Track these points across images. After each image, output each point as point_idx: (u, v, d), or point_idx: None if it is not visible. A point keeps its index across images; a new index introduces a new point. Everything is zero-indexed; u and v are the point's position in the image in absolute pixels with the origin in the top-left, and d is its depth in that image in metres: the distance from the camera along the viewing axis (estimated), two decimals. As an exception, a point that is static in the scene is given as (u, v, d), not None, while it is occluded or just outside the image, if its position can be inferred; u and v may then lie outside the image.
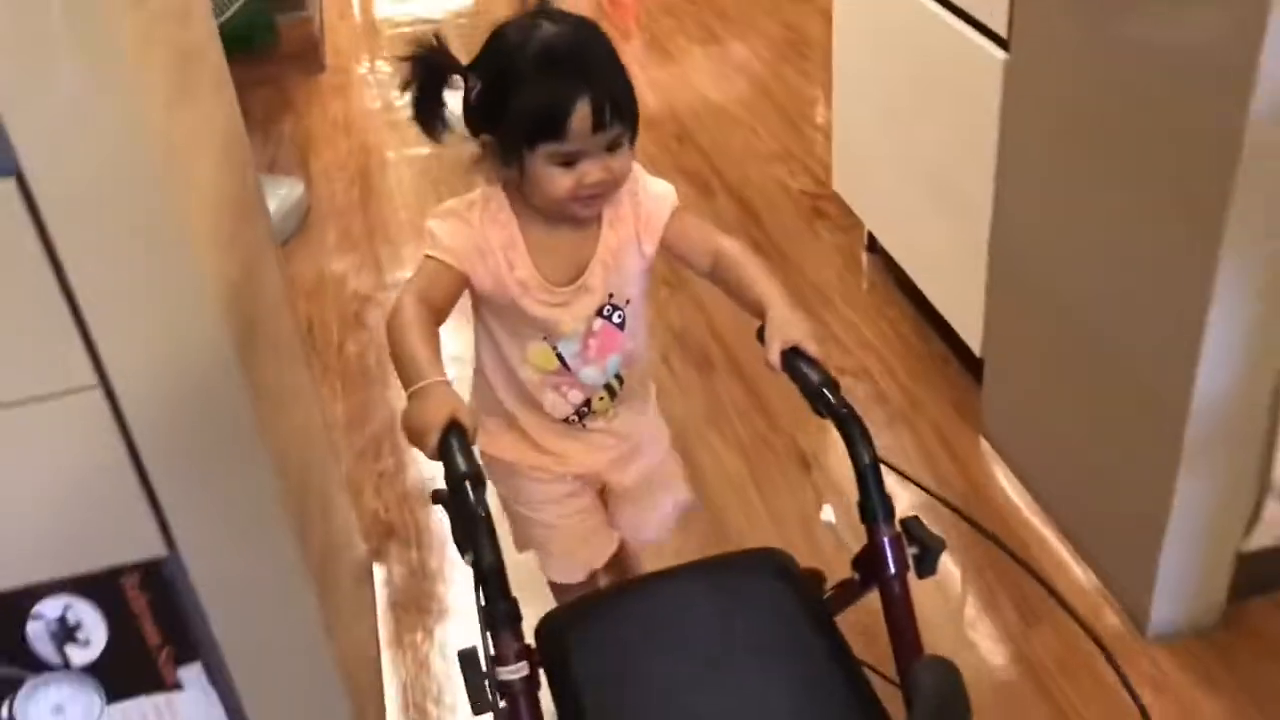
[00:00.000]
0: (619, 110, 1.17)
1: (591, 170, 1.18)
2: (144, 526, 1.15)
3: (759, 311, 1.21)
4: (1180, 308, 1.47)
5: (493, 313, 1.31)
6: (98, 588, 1.21)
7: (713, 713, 1.13)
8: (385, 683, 1.75)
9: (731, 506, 1.98)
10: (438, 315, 1.21)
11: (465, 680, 1.07)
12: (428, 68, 1.22)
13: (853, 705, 1.12)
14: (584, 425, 1.37)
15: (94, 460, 1.10)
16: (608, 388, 1.35)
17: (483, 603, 1.06)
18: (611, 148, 1.19)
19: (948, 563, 1.79)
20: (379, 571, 1.94)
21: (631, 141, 1.22)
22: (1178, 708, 1.60)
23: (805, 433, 2.11)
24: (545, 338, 1.30)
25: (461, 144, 1.25)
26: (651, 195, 1.30)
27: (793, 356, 1.16)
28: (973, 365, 2.15)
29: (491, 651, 1.06)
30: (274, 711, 1.36)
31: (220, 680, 1.32)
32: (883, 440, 1.94)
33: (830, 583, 1.26)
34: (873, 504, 1.12)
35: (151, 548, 1.17)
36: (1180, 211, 1.46)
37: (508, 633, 1.05)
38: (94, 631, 1.25)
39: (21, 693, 1.26)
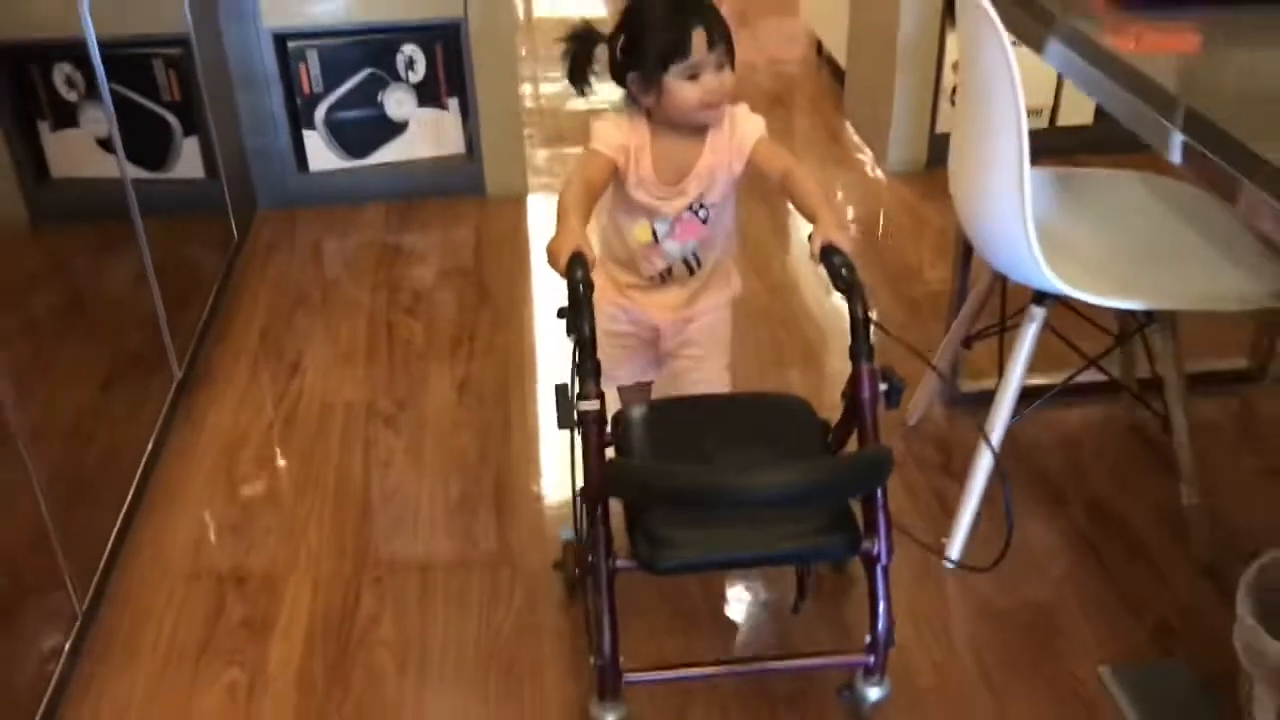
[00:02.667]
0: (723, 36, 1.63)
1: (710, 81, 1.64)
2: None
3: (812, 218, 1.62)
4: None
5: (620, 194, 1.76)
6: (425, 38, 3.08)
7: (715, 454, 1.59)
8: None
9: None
10: (591, 190, 1.67)
11: (556, 404, 1.51)
12: (580, 41, 1.70)
13: (819, 465, 1.57)
14: (663, 287, 1.83)
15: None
16: (685, 263, 1.81)
17: (575, 359, 1.51)
18: (720, 65, 1.64)
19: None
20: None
21: (731, 64, 1.66)
22: (909, 212, 3.33)
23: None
24: (648, 217, 1.75)
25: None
26: (744, 126, 1.72)
27: (828, 251, 1.56)
28: (839, 73, 3.93)
29: (577, 389, 1.52)
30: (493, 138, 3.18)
31: (470, 110, 3.17)
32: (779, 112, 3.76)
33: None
34: (860, 348, 1.54)
35: (454, 10, 3.00)
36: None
37: (590, 379, 1.51)
38: (419, 66, 3.13)
39: (384, 91, 3.14)
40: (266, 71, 3.04)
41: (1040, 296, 1.84)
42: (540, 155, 3.57)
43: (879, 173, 3.43)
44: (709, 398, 1.82)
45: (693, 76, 1.64)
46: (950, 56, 3.19)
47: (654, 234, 1.78)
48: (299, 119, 3.14)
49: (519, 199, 3.26)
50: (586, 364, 1.52)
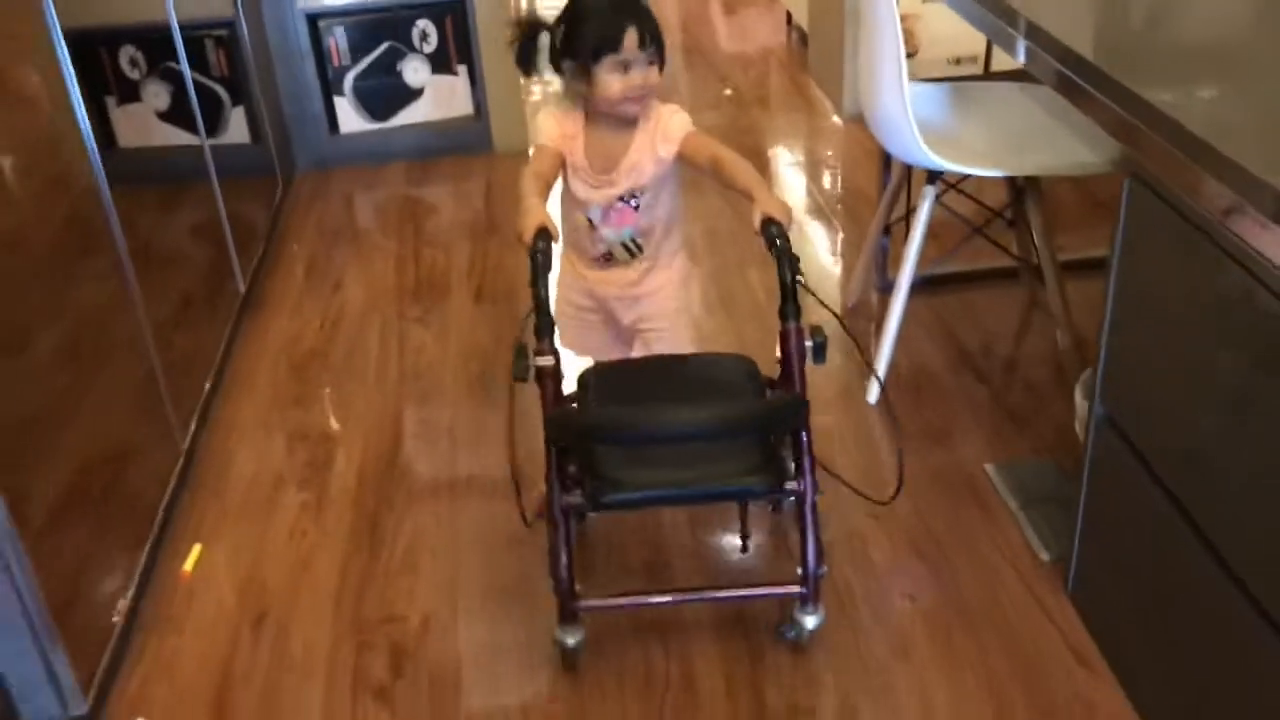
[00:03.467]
0: (654, 38, 1.80)
1: (636, 76, 1.80)
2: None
3: (749, 196, 1.76)
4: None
5: (565, 182, 1.93)
6: (436, 13, 3.58)
7: (667, 398, 1.79)
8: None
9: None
10: (543, 178, 1.84)
11: (514, 360, 1.72)
12: (527, 27, 1.88)
13: (733, 405, 1.76)
14: (606, 268, 1.99)
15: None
16: (625, 248, 1.95)
17: (534, 317, 1.72)
18: (649, 63, 1.80)
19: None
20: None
21: (660, 66, 1.82)
22: (861, 149, 3.79)
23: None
24: (583, 208, 1.92)
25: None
26: (670, 121, 1.86)
27: (767, 223, 1.72)
28: (805, 39, 4.41)
29: (532, 346, 1.72)
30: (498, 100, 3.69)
31: (477, 76, 3.66)
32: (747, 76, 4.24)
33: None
34: (788, 309, 1.73)
35: None
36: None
37: (547, 337, 1.73)
38: (431, 38, 3.62)
39: (402, 60, 3.64)
40: (301, 47, 3.55)
41: (930, 176, 2.32)
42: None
43: (836, 119, 3.90)
44: (663, 358, 2.00)
45: (621, 70, 1.81)
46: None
47: (589, 220, 1.95)
48: (330, 88, 3.64)
49: (522, 152, 3.74)
50: (542, 319, 1.74)
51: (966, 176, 2.31)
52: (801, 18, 4.39)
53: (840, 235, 3.15)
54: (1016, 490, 2.19)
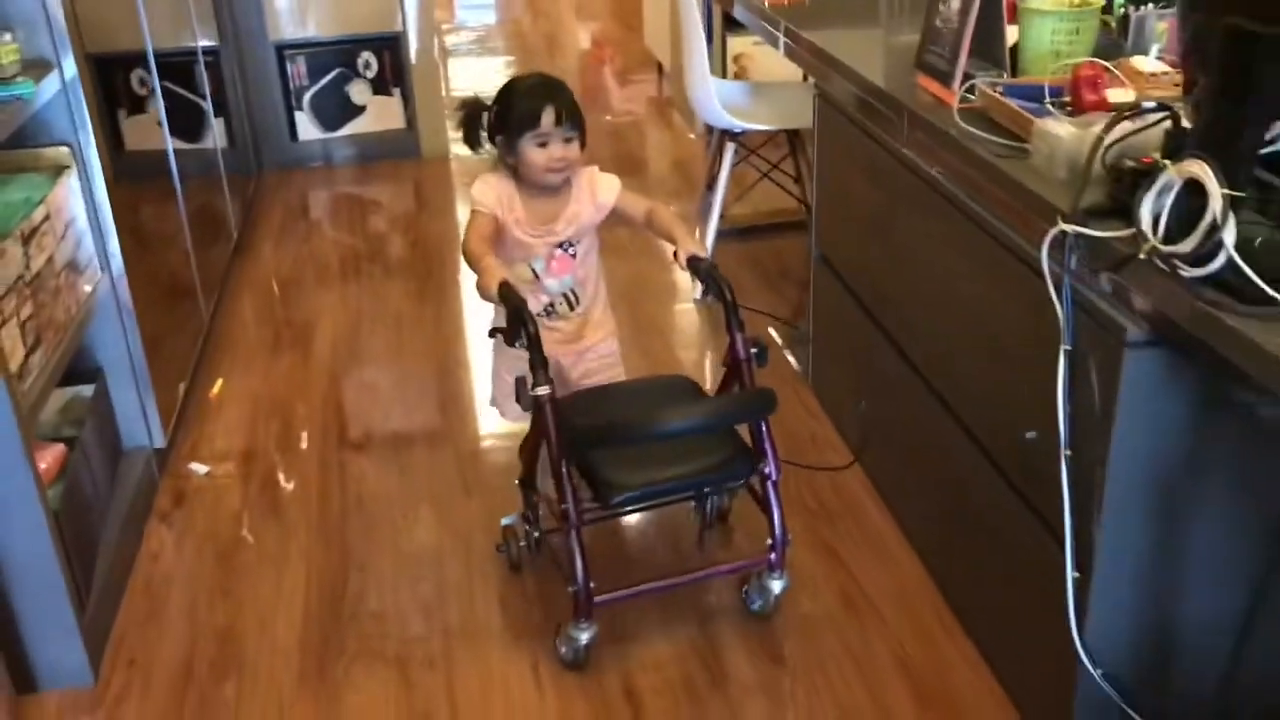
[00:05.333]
0: (571, 117, 2.04)
1: (555, 149, 2.04)
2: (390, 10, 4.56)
3: (672, 240, 2.09)
4: None
5: (502, 245, 2.11)
6: (376, 47, 4.61)
7: (631, 406, 2.05)
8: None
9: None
10: (486, 240, 2.06)
11: (516, 394, 1.95)
12: (470, 109, 2.14)
13: (718, 401, 2.09)
14: (550, 320, 2.17)
15: None
16: (565, 299, 2.16)
17: (528, 353, 1.91)
18: (567, 139, 2.05)
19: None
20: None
21: (581, 143, 2.07)
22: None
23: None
24: (525, 259, 2.12)
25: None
26: (603, 182, 2.14)
27: (693, 261, 2.05)
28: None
29: (530, 379, 1.92)
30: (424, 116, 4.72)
31: (408, 96, 4.69)
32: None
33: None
34: (732, 323, 2.01)
35: (396, 27, 4.54)
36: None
37: (540, 369, 1.92)
38: (373, 66, 4.65)
39: (349, 83, 4.65)
40: (270, 71, 4.54)
41: (731, 136, 3.38)
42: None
43: (691, 135, 4.99)
44: (614, 385, 2.24)
45: (542, 144, 2.05)
46: (731, 50, 4.77)
47: (534, 272, 2.14)
48: (291, 103, 4.63)
49: (444, 158, 4.76)
50: (535, 356, 1.91)
51: (745, 131, 3.37)
52: (663, 58, 5.51)
53: (694, 207, 4.20)
54: (787, 340, 3.22)
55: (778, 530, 2.02)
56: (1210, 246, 1.31)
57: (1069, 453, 1.60)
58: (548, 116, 2.03)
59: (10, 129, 2.01)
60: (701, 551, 2.33)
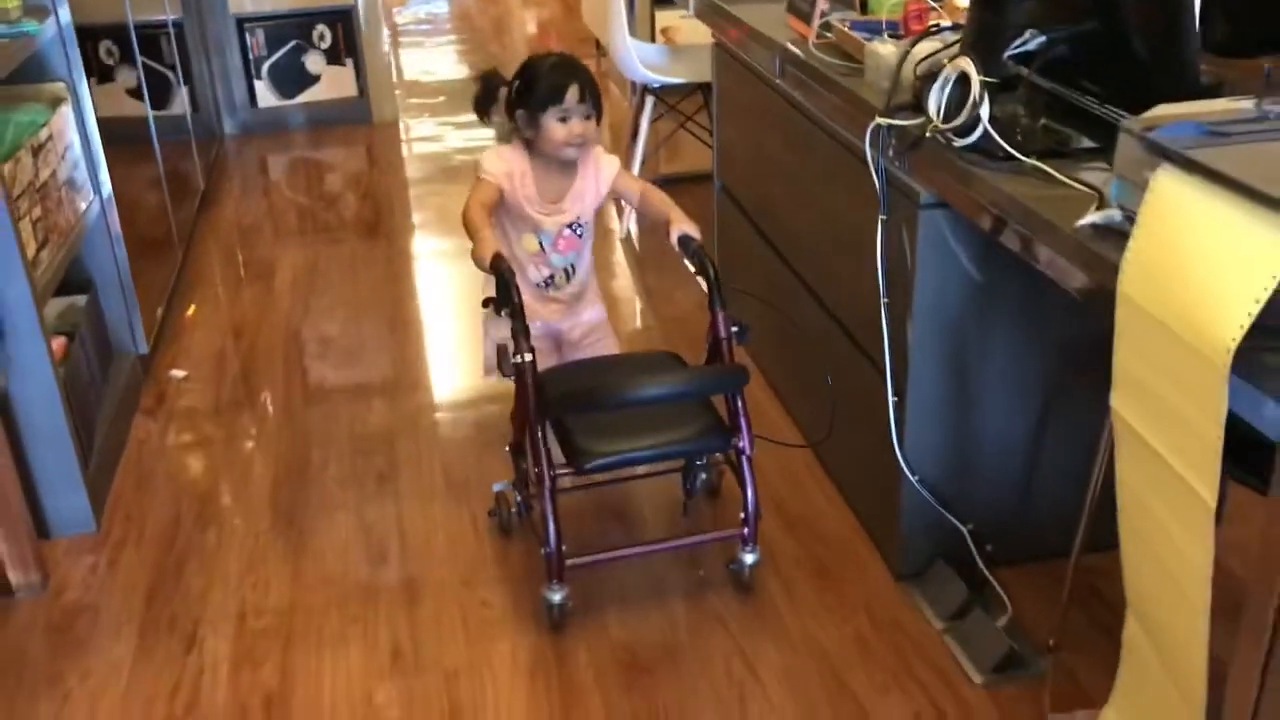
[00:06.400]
0: (592, 94, 2.16)
1: (576, 125, 2.16)
2: None
3: (666, 219, 2.18)
4: None
5: (509, 214, 2.23)
6: (330, 20, 4.98)
7: (609, 376, 2.14)
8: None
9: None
10: (486, 209, 2.14)
11: (499, 361, 2.08)
12: (487, 81, 2.27)
13: (690, 372, 2.17)
14: (549, 290, 2.32)
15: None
16: (565, 272, 2.31)
17: (510, 324, 1.98)
18: (587, 116, 2.16)
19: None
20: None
21: (598, 119, 2.17)
22: None
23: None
24: (534, 231, 2.24)
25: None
26: (605, 161, 2.28)
27: (684, 239, 2.14)
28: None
29: (511, 346, 2.00)
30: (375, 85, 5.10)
31: (360, 67, 5.07)
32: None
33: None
34: (714, 301, 2.09)
35: (348, 1, 4.92)
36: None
37: (522, 336, 1.99)
38: (327, 38, 5.02)
39: (305, 54, 5.03)
40: (231, 42, 4.90)
41: (649, 90, 3.79)
42: (408, 100, 5.49)
43: (625, 104, 5.39)
44: (604, 357, 2.37)
45: (563, 119, 2.15)
46: (659, 24, 5.17)
47: (540, 245, 2.26)
48: (250, 72, 4.98)
49: (393, 123, 5.13)
50: (518, 325, 1.98)
51: (663, 85, 3.77)
52: (603, 39, 5.89)
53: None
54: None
55: (750, 503, 2.07)
56: (972, 120, 1.74)
57: (886, 301, 2.03)
58: (572, 93, 2.15)
59: (19, 59, 2.38)
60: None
